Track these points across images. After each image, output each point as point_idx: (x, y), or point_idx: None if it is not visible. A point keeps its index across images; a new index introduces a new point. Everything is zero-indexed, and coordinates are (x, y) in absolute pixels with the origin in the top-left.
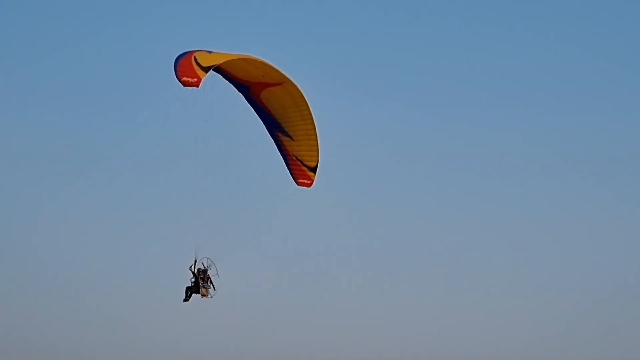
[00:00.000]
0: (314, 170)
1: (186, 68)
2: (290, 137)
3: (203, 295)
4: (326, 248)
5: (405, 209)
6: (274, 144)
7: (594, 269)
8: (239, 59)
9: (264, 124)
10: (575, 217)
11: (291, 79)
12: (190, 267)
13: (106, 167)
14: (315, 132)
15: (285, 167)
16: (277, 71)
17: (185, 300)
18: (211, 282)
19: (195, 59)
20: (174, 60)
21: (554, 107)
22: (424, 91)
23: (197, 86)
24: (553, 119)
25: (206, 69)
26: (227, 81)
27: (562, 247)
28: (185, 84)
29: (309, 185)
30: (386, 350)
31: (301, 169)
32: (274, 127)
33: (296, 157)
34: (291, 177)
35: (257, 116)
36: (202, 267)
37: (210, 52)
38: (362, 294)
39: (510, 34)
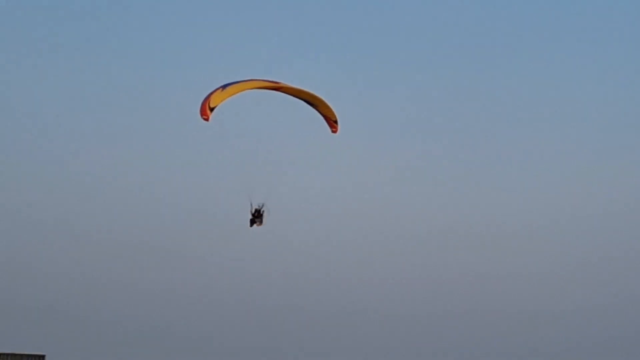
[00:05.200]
0: (336, 122)
1: (203, 109)
2: (316, 106)
3: (258, 225)
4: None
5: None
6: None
7: None
8: (238, 91)
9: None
10: None
11: (277, 83)
12: (250, 210)
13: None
14: (325, 102)
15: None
16: (267, 83)
17: (251, 226)
18: (262, 217)
19: (209, 102)
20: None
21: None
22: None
23: (208, 121)
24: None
25: (212, 109)
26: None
27: None
28: (204, 120)
29: (336, 132)
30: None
31: (330, 122)
32: (307, 103)
33: (327, 117)
34: (328, 128)
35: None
36: (257, 208)
37: (224, 87)
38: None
39: None
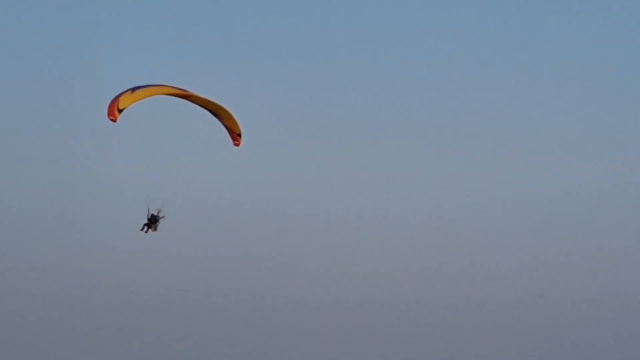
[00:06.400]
0: (240, 135)
1: (111, 110)
2: (221, 118)
3: (153, 230)
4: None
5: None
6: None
7: None
8: (147, 95)
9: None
10: None
11: (185, 91)
12: (147, 214)
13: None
14: (231, 115)
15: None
16: (176, 90)
17: (142, 230)
18: (158, 222)
19: (117, 104)
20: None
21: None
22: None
23: (115, 122)
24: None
25: (120, 111)
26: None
27: None
28: (111, 120)
29: (238, 144)
30: None
31: (234, 135)
32: (212, 114)
33: (231, 130)
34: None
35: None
36: (154, 213)
37: (133, 90)
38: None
39: None
